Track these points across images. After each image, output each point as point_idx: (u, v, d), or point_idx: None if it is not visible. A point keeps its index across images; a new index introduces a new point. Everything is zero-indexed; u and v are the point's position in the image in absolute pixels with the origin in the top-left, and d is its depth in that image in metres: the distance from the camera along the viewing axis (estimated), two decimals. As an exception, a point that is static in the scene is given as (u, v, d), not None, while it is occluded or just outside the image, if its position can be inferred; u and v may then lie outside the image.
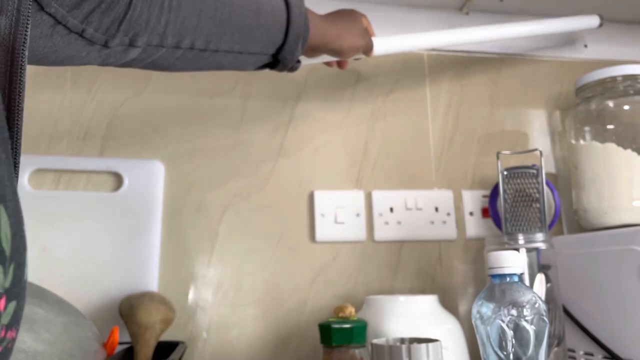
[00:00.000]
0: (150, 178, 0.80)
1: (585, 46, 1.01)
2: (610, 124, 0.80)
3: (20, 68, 0.31)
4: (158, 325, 0.68)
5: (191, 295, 0.79)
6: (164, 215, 0.80)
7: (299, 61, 0.60)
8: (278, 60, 0.59)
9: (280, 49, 0.57)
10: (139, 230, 0.77)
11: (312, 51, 0.61)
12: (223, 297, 0.80)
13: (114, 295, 0.74)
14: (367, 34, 0.66)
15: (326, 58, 0.66)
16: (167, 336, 0.74)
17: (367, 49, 0.66)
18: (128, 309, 0.69)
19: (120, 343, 0.66)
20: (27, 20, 0.31)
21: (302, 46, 0.57)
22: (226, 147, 0.85)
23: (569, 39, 1.00)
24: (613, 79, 0.81)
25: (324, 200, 0.86)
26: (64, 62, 0.46)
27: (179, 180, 0.83)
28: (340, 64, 0.71)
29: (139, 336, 0.67)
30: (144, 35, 0.47)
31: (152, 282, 0.76)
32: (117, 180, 0.80)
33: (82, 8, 0.41)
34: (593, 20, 0.91)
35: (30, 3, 0.32)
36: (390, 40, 0.71)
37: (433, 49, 0.95)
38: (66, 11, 0.41)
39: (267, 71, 0.88)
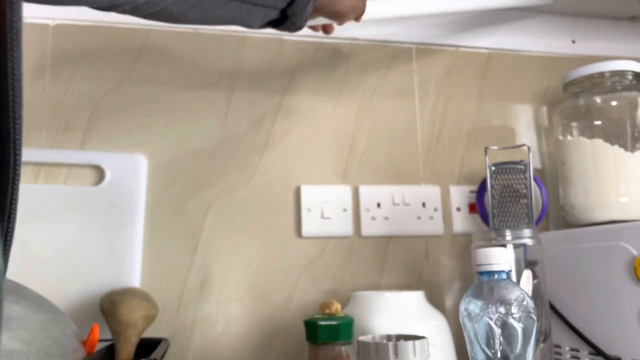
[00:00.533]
0: (132, 171, 0.78)
1: (573, 42, 1.01)
2: (597, 119, 0.80)
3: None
4: (140, 322, 0.67)
5: (175, 291, 0.78)
6: (146, 209, 0.79)
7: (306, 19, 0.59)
8: (286, 17, 0.57)
9: (291, 3, 0.56)
10: (121, 225, 0.76)
11: (315, 11, 0.60)
12: (207, 293, 0.79)
13: (95, 291, 0.72)
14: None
15: (318, 21, 0.65)
16: (149, 333, 0.72)
17: (361, 11, 0.66)
18: (109, 305, 0.67)
19: (101, 340, 0.65)
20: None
21: (313, 2, 0.57)
22: (211, 141, 0.84)
23: (557, 34, 1.00)
24: (601, 74, 0.81)
25: (311, 195, 0.85)
26: (69, 3, 0.45)
27: (163, 174, 0.81)
28: (326, 29, 0.70)
29: (121, 333, 0.65)
30: None
31: (134, 278, 0.75)
32: (99, 173, 0.78)
33: None
34: None
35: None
36: (380, 5, 0.71)
37: (421, 43, 0.94)
38: None
39: (252, 65, 0.86)
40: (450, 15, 0.96)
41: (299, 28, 0.60)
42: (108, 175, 0.77)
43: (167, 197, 0.80)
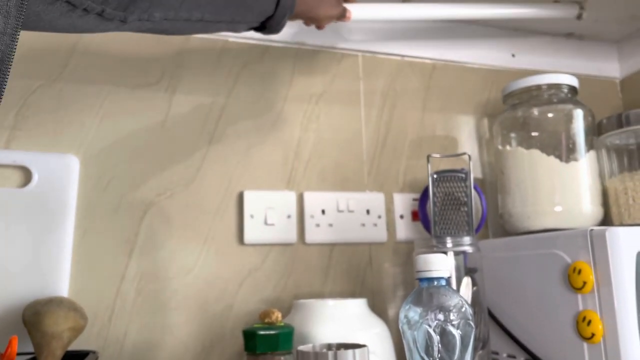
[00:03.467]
0: (63, 173, 0.74)
1: (513, 55, 1.04)
2: (535, 130, 0.83)
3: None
4: (66, 334, 0.62)
5: (106, 301, 0.74)
6: (77, 214, 0.74)
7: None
8: (264, 27, 0.67)
9: (269, 18, 0.65)
10: (48, 229, 0.71)
11: (293, 18, 0.69)
12: (143, 302, 0.75)
13: (17, 301, 0.67)
14: (340, 4, 0.73)
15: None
16: (78, 345, 0.68)
17: (341, 16, 0.74)
18: (32, 316, 0.63)
19: (20, 354, 0.60)
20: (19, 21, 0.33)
21: (288, 16, 0.66)
22: (149, 143, 0.80)
23: (498, 48, 1.03)
24: (538, 87, 0.84)
25: (254, 201, 0.83)
26: (83, 33, 0.51)
27: (96, 177, 0.77)
28: (318, 25, 0.76)
29: (44, 346, 0.61)
30: (162, 11, 0.52)
31: (61, 287, 0.70)
32: (26, 175, 0.73)
33: None
34: (571, 10, 0.92)
35: (25, 9, 0.33)
36: (368, 8, 0.79)
37: (367, 51, 0.95)
38: None
39: (195, 66, 0.84)
40: (397, 24, 0.97)
41: (278, 32, 0.69)
42: (35, 177, 0.72)
43: (100, 201, 0.76)
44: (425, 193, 0.87)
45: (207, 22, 0.59)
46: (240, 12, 0.61)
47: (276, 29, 0.67)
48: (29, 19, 0.42)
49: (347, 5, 0.75)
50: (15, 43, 0.33)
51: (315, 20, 0.72)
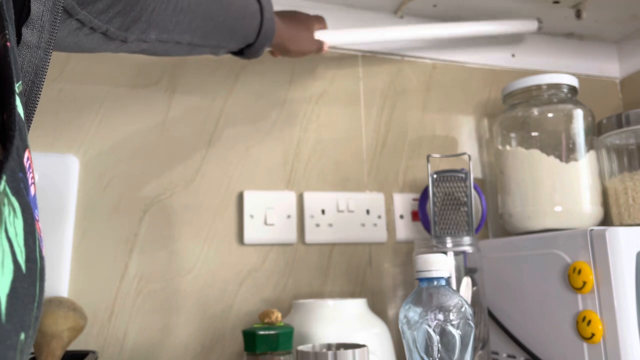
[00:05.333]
0: (63, 174, 0.74)
1: (513, 55, 1.04)
2: (535, 130, 0.82)
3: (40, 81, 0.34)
4: (66, 334, 0.62)
5: (106, 301, 0.74)
6: (77, 214, 0.74)
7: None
8: (242, 52, 0.70)
9: (249, 45, 0.68)
10: (48, 230, 0.71)
11: (271, 47, 0.73)
12: (142, 302, 0.75)
13: (17, 301, 0.67)
14: (315, 42, 0.77)
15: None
16: (78, 345, 0.68)
17: (317, 51, 0.78)
18: (32, 317, 0.62)
19: (21, 354, 0.60)
20: (53, 34, 0.34)
21: (267, 46, 0.69)
22: (149, 143, 0.80)
23: (498, 48, 1.03)
24: (538, 87, 0.84)
25: (254, 201, 0.83)
26: (85, 52, 0.52)
27: (96, 177, 0.77)
28: (274, 54, 0.78)
29: (44, 346, 0.61)
30: (157, 32, 0.54)
31: (61, 287, 0.70)
32: (25, 175, 0.73)
33: (108, 12, 0.46)
34: (531, 25, 0.94)
35: (58, 23, 0.35)
36: (341, 35, 0.81)
37: (367, 51, 0.95)
38: (93, 16, 0.45)
39: (195, 67, 0.84)
40: (397, 24, 0.97)
41: (255, 58, 0.72)
42: (35, 177, 0.72)
43: (100, 201, 0.76)
44: (425, 193, 0.87)
45: (195, 45, 0.61)
46: (226, 38, 0.64)
47: (254, 56, 0.70)
48: None
49: (322, 37, 0.78)
50: (49, 57, 0.34)
51: (286, 54, 0.75)
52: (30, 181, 0.27)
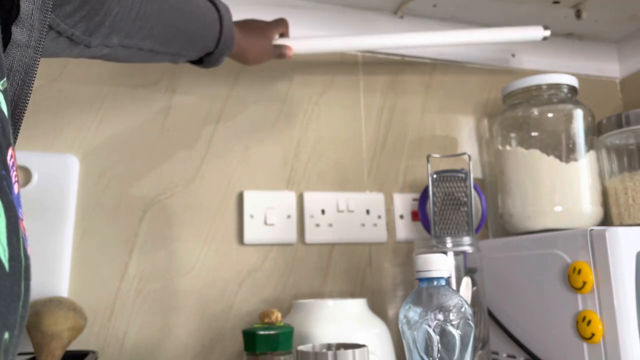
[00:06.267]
0: (62, 173, 0.74)
1: (513, 56, 1.04)
2: (534, 130, 0.82)
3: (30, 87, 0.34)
4: (66, 334, 0.62)
5: (106, 301, 0.74)
6: (77, 214, 0.74)
7: None
8: (202, 61, 0.70)
9: (209, 54, 0.68)
10: (48, 230, 0.71)
11: (230, 56, 0.73)
12: (142, 302, 0.75)
13: (17, 301, 0.67)
14: (273, 49, 0.77)
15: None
16: (78, 345, 0.68)
17: (278, 57, 0.78)
18: (32, 316, 0.63)
19: (21, 354, 0.60)
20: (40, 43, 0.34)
21: (227, 54, 0.70)
22: (149, 143, 0.80)
23: (498, 48, 1.03)
24: (538, 87, 0.84)
25: (254, 201, 0.83)
26: (49, 57, 0.52)
27: (96, 177, 0.77)
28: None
29: (44, 346, 0.61)
30: (119, 37, 0.54)
31: (61, 287, 0.70)
32: (25, 175, 0.73)
33: (75, 16, 0.46)
34: (538, 32, 0.89)
35: (48, 22, 0.35)
36: (309, 42, 0.81)
37: (367, 51, 0.95)
38: (60, 20, 0.45)
39: (194, 67, 0.85)
40: (396, 24, 0.97)
41: (214, 67, 0.71)
42: (35, 176, 0.72)
43: (100, 201, 0.76)
44: (425, 193, 0.87)
45: (155, 52, 0.61)
46: (186, 46, 0.64)
47: (213, 65, 0.70)
48: None
49: (289, 42, 0.78)
50: (39, 56, 0.34)
51: (243, 63, 0.75)
52: (13, 179, 0.27)
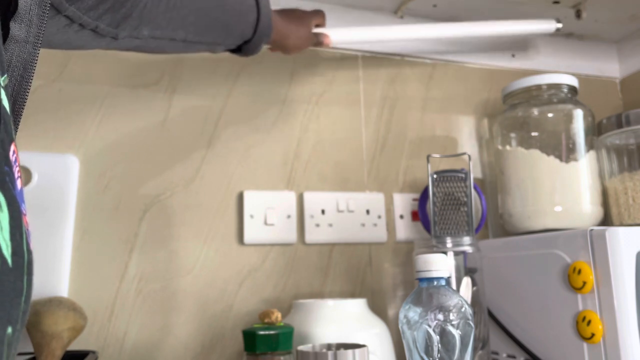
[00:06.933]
0: (62, 173, 0.74)
1: (513, 56, 1.04)
2: (535, 130, 0.82)
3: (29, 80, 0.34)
4: (66, 334, 0.62)
5: (106, 301, 0.74)
6: (77, 214, 0.74)
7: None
8: (240, 49, 0.69)
9: (247, 42, 0.67)
10: (48, 230, 0.71)
11: (268, 44, 0.72)
12: (142, 302, 0.75)
13: (17, 301, 0.67)
14: (312, 36, 0.76)
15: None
16: (78, 345, 0.68)
17: (315, 46, 0.78)
18: (32, 316, 0.62)
19: (21, 354, 0.60)
20: (40, 34, 0.34)
21: (265, 42, 0.69)
22: (149, 143, 0.80)
23: (498, 48, 1.03)
24: (538, 87, 0.84)
25: (254, 201, 0.83)
26: (75, 49, 0.52)
27: (96, 177, 0.77)
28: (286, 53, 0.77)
29: (44, 346, 0.61)
30: (150, 29, 0.53)
31: (61, 287, 0.70)
32: (25, 175, 0.73)
33: (98, 9, 0.46)
34: (551, 25, 0.92)
35: (47, 17, 0.35)
36: (346, 32, 0.81)
37: (367, 51, 0.95)
38: (82, 13, 0.45)
39: (194, 67, 0.84)
40: (397, 24, 0.97)
41: (253, 55, 0.70)
42: (35, 177, 0.72)
43: (100, 201, 0.76)
44: (425, 193, 0.87)
45: (189, 42, 0.60)
46: (221, 35, 0.63)
47: (252, 53, 0.69)
48: None
49: (327, 31, 0.78)
50: (37, 51, 0.34)
51: (283, 50, 0.75)
52: (16, 175, 0.27)
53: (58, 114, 0.77)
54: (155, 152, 0.80)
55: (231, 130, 0.85)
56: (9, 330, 0.23)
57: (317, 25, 0.79)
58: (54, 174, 0.73)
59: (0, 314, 0.22)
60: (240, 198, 0.83)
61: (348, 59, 0.94)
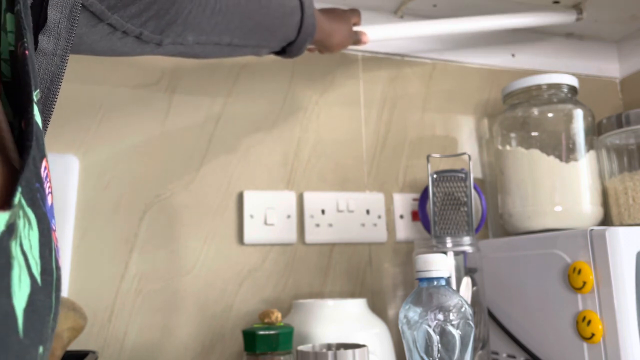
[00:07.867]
0: (62, 173, 0.74)
1: (513, 55, 1.04)
2: (534, 130, 0.82)
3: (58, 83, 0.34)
4: (66, 334, 0.62)
5: (106, 301, 0.74)
6: (77, 214, 0.74)
7: None
8: (284, 51, 0.68)
9: (291, 43, 0.67)
10: (48, 230, 0.71)
11: (311, 44, 0.71)
12: (142, 302, 0.75)
13: (17, 301, 0.67)
14: (353, 34, 0.77)
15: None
16: (77, 345, 0.68)
17: (355, 44, 0.79)
18: (32, 317, 0.62)
19: (21, 354, 0.60)
20: (69, 43, 0.34)
21: (309, 42, 0.68)
22: (149, 143, 0.80)
23: (498, 48, 1.03)
24: (538, 87, 0.84)
25: (254, 201, 0.83)
26: (120, 56, 0.52)
27: (96, 177, 0.77)
28: (321, 51, 0.78)
29: (44, 346, 0.61)
30: (194, 35, 0.53)
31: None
32: (25, 175, 0.73)
33: (141, 16, 0.46)
34: (571, 16, 0.93)
35: (75, 30, 0.35)
36: (381, 30, 0.83)
37: (367, 51, 0.95)
38: (125, 21, 0.45)
39: (194, 67, 0.84)
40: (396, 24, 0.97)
41: (297, 56, 0.70)
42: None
43: (100, 201, 0.76)
44: (425, 193, 0.87)
45: (235, 46, 0.60)
46: (266, 37, 0.63)
47: (296, 54, 0.69)
48: None
49: (363, 28, 0.79)
50: (65, 64, 0.34)
51: (327, 49, 0.75)
52: (47, 191, 0.27)
53: (58, 113, 0.77)
54: (155, 152, 0.80)
55: (231, 130, 0.85)
56: (40, 350, 0.23)
57: (354, 24, 0.79)
58: (54, 174, 0.73)
59: (31, 335, 0.22)
60: (240, 198, 0.83)
61: (348, 59, 0.94)
